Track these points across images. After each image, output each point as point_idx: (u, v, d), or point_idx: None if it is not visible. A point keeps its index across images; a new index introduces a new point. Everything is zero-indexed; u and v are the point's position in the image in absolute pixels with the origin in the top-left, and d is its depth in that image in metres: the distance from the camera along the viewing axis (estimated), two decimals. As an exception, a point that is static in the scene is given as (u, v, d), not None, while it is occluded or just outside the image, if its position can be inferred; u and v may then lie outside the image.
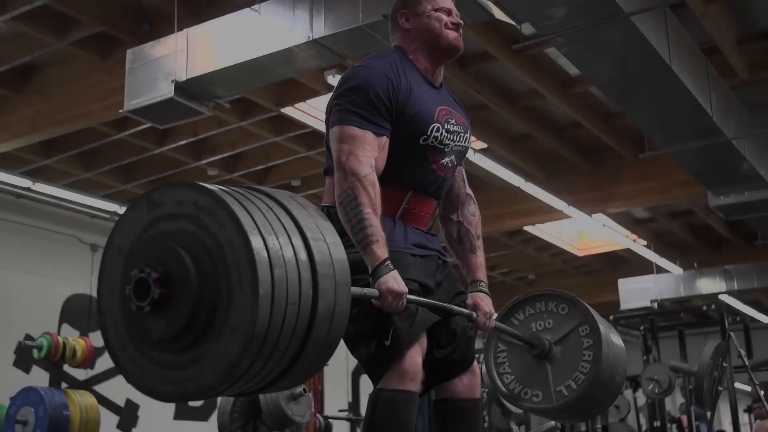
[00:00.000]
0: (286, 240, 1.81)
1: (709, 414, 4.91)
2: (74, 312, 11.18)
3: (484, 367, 3.00)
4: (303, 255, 1.82)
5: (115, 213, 10.83)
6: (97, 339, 6.05)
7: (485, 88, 8.45)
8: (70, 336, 6.39)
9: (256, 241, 1.73)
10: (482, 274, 2.75)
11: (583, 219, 11.06)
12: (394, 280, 2.30)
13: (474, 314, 2.61)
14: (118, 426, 11.20)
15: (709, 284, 13.80)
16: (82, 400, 5.27)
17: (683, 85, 6.46)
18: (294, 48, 6.03)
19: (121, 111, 6.78)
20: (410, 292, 2.37)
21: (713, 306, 11.08)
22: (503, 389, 2.85)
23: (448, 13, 2.71)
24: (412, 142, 2.55)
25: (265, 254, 1.73)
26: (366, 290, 2.22)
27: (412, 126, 2.54)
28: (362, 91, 2.48)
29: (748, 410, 10.78)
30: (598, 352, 2.71)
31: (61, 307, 11.07)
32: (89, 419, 5.22)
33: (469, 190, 2.84)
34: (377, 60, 2.59)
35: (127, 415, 11.45)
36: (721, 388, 4.75)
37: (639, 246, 13.04)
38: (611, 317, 10.81)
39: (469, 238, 2.78)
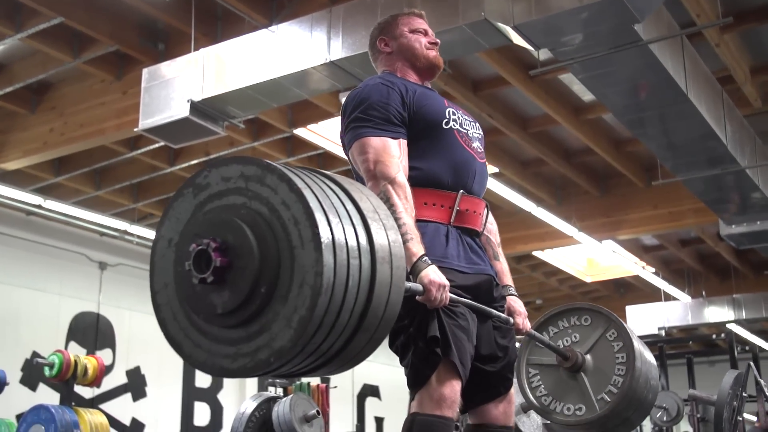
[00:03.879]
0: (336, 198, 1.83)
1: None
2: (81, 330, 11.16)
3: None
4: (352, 209, 1.84)
5: (125, 231, 10.84)
6: (103, 357, 6.04)
7: (498, 113, 8.46)
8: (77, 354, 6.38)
9: (310, 196, 1.73)
10: (509, 279, 2.79)
11: (593, 245, 11.03)
12: (434, 273, 2.32)
13: (511, 319, 2.63)
14: (123, 446, 11.16)
15: (717, 313, 13.76)
16: (93, 418, 5.24)
17: (699, 113, 6.46)
18: (310, 69, 6.05)
19: (136, 129, 6.79)
20: (460, 311, 2.41)
21: (722, 335, 11.02)
22: (543, 409, 2.83)
23: (425, 33, 2.83)
24: (436, 129, 2.61)
25: (321, 209, 1.73)
26: (409, 284, 2.20)
27: (429, 116, 2.61)
28: (366, 102, 2.55)
29: (755, 440, 10.68)
30: (630, 352, 2.71)
31: (68, 325, 11.05)
32: (99, 438, 5.20)
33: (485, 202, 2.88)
34: (371, 79, 2.67)
35: (133, 434, 11.41)
36: (740, 418, 4.71)
37: (647, 273, 13.00)
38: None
39: (492, 246, 2.80)
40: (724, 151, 7.18)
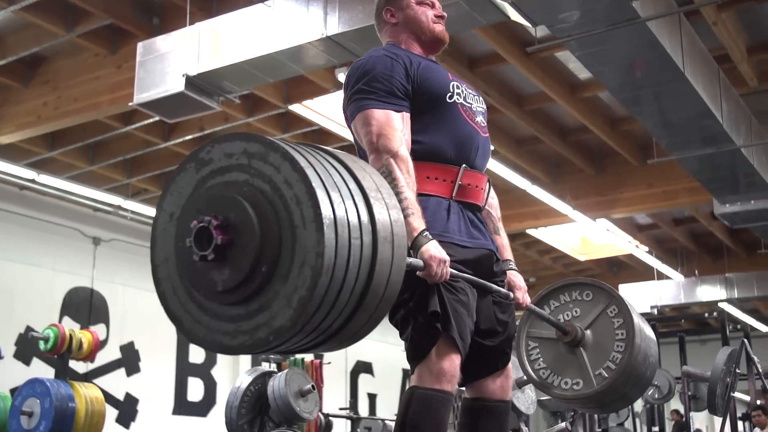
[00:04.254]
0: (339, 177, 1.82)
1: (721, 420, 4.90)
2: (75, 305, 11.16)
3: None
4: (355, 188, 1.83)
5: (119, 207, 10.81)
6: (97, 333, 6.04)
7: (493, 90, 8.44)
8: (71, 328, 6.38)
9: (313, 176, 1.72)
10: (509, 253, 2.79)
11: (587, 223, 11.05)
12: (435, 248, 2.32)
13: (511, 294, 2.63)
14: (117, 420, 11.18)
15: (709, 291, 13.83)
16: (88, 392, 5.25)
17: (695, 91, 6.45)
18: (306, 44, 6.02)
19: (131, 104, 6.76)
20: (460, 285, 2.42)
21: (714, 313, 11.08)
22: (541, 382, 2.84)
23: (432, 6, 2.79)
24: (440, 103, 2.59)
25: (323, 188, 1.73)
26: (410, 259, 2.18)
27: (433, 89, 2.59)
28: (370, 74, 2.52)
29: (744, 418, 10.76)
30: (630, 329, 2.71)
31: (62, 300, 11.04)
32: (95, 411, 5.20)
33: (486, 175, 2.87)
34: (375, 51, 2.65)
35: (127, 409, 11.44)
36: (733, 394, 4.74)
37: (641, 252, 13.04)
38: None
39: (492, 220, 2.79)
40: (719, 130, 7.18)
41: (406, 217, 2.29)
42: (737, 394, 7.64)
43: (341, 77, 7.03)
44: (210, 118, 8.84)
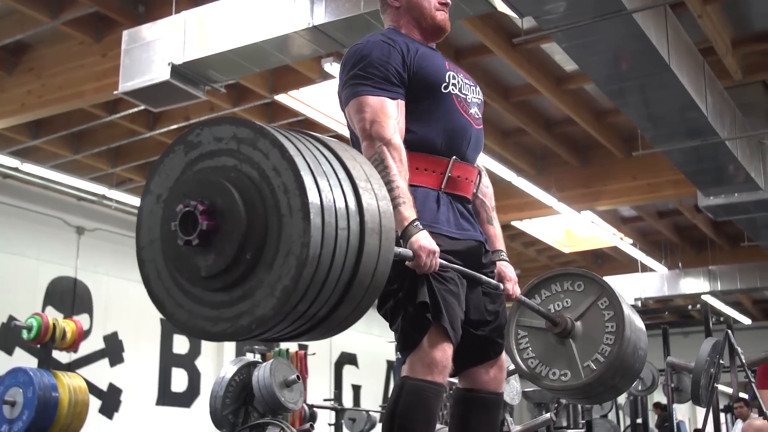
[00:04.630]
0: (328, 166, 1.81)
1: (703, 412, 4.93)
2: (59, 294, 11.10)
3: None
4: (344, 176, 1.82)
5: (103, 196, 10.76)
6: (81, 322, 6.01)
7: (479, 82, 8.27)
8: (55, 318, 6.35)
9: (301, 164, 1.72)
10: (501, 244, 2.77)
11: (572, 215, 11.08)
12: (425, 239, 2.31)
13: (501, 285, 2.62)
14: (101, 410, 11.15)
15: (692, 284, 13.91)
16: (71, 382, 5.23)
17: (680, 84, 6.47)
18: (292, 34, 6.00)
19: (115, 92, 6.72)
20: (450, 275, 2.41)
21: (698, 306, 11.13)
22: (529, 372, 2.84)
23: None
24: (434, 92, 2.56)
25: (312, 176, 1.72)
26: (399, 249, 2.17)
27: (428, 78, 2.56)
28: (367, 59, 2.50)
29: (726, 410, 10.84)
30: (620, 322, 2.70)
31: (45, 290, 10.99)
32: (78, 401, 5.18)
33: (481, 165, 2.83)
34: (373, 36, 2.61)
35: (110, 399, 11.40)
36: (717, 385, 4.78)
37: (625, 244, 13.09)
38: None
39: (485, 210, 2.78)
40: (704, 123, 7.20)
41: (396, 206, 2.29)
42: (720, 387, 7.68)
43: (327, 67, 7.01)
44: (195, 108, 8.80)
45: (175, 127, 9.38)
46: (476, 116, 2.67)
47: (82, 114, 9.01)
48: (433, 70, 2.59)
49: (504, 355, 2.70)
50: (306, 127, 9.51)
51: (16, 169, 9.76)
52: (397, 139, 2.42)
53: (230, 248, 1.73)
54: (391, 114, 2.45)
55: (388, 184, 2.31)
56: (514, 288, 2.68)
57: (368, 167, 1.94)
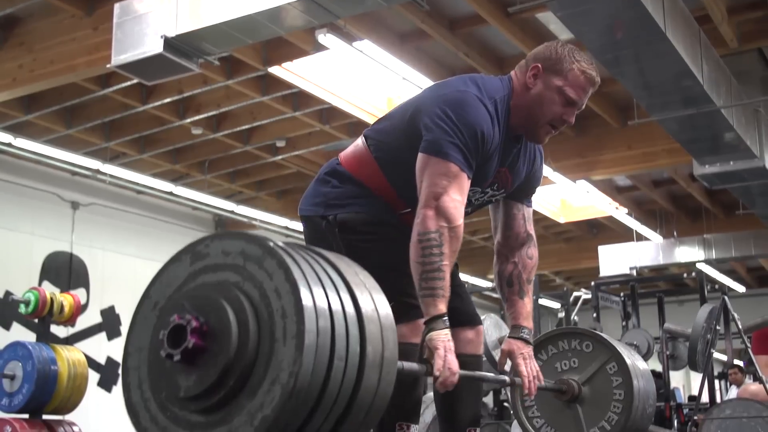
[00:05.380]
0: (334, 292, 1.71)
1: (698, 378, 4.97)
2: (55, 269, 11.10)
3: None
4: (350, 308, 1.72)
5: (97, 171, 10.72)
6: (78, 296, 6.01)
7: (474, 52, 8.40)
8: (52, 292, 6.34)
9: (304, 290, 1.63)
10: (527, 322, 2.66)
11: (567, 185, 11.08)
12: (446, 336, 2.27)
13: (517, 379, 2.55)
14: (99, 384, 11.19)
15: (687, 253, 13.95)
16: (70, 355, 5.24)
17: (676, 52, 6.44)
18: (286, 5, 5.94)
19: (108, 66, 6.67)
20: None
21: (692, 274, 11.17)
22: None
23: (570, 104, 2.53)
24: None
25: (312, 303, 1.63)
26: (403, 364, 2.07)
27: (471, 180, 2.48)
28: (471, 131, 2.38)
29: (720, 377, 10.92)
30: (629, 391, 2.64)
31: (41, 265, 10.98)
32: (77, 374, 5.19)
33: (531, 231, 2.76)
34: (488, 95, 2.48)
35: (108, 373, 11.44)
36: (713, 351, 4.81)
37: (620, 213, 13.10)
38: (592, 283, 10.89)
39: (520, 283, 2.70)
40: (699, 91, 7.18)
41: (435, 297, 2.27)
42: (714, 354, 7.76)
43: (321, 39, 6.96)
44: (189, 81, 8.77)
45: (168, 100, 9.34)
46: (468, 211, 2.60)
47: (74, 88, 8.97)
48: (476, 178, 2.48)
49: (482, 325, 2.71)
50: (300, 99, 9.48)
51: (9, 145, 9.72)
52: (461, 227, 2.35)
53: (214, 371, 1.64)
54: (465, 197, 2.38)
55: (436, 272, 2.27)
56: (533, 384, 2.55)
57: (380, 301, 1.81)
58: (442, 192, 2.33)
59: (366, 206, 2.55)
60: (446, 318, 2.28)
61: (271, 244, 1.70)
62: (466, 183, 2.38)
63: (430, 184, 2.35)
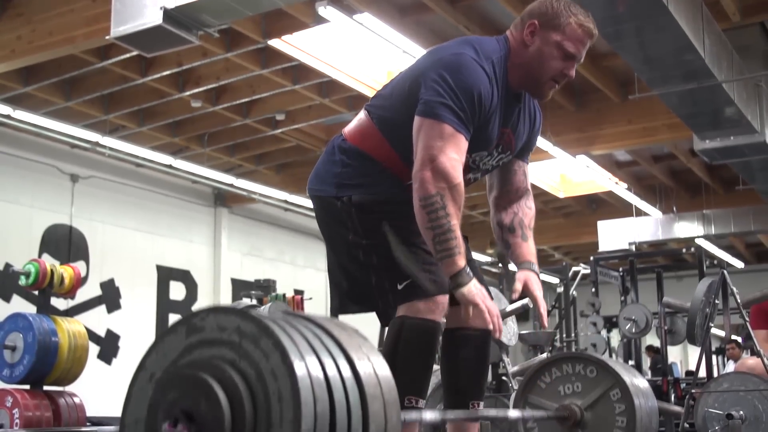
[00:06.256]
0: (336, 372, 1.67)
1: (696, 353, 4.98)
2: (54, 242, 11.11)
3: None
4: (352, 387, 1.68)
5: (96, 143, 10.70)
6: (78, 268, 6.01)
7: (474, 25, 8.36)
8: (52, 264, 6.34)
9: (301, 372, 1.60)
10: (533, 258, 2.69)
11: (567, 160, 11.07)
12: (476, 287, 2.34)
13: (529, 304, 2.64)
14: (99, 356, 11.24)
15: (686, 228, 13.97)
16: (71, 327, 5.25)
17: (678, 25, 6.41)
18: (286, -23, 5.92)
19: (107, 37, 6.63)
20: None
21: (691, 249, 11.19)
22: None
23: (570, 58, 2.54)
24: None
25: (311, 387, 1.59)
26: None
27: (471, 142, 2.47)
28: (468, 93, 2.38)
29: (717, 352, 10.98)
30: (632, 418, 2.63)
31: (41, 237, 10.99)
32: (78, 346, 5.20)
33: (529, 186, 2.79)
34: (485, 56, 2.47)
35: (108, 345, 11.49)
36: (712, 325, 4.83)
37: (620, 189, 13.10)
38: (591, 258, 10.91)
39: (523, 228, 2.72)
40: (701, 65, 7.15)
41: (451, 255, 2.31)
42: (712, 329, 7.77)
43: (321, 11, 6.93)
44: (188, 53, 8.73)
45: (167, 72, 9.31)
46: (470, 180, 2.62)
47: (73, 60, 8.93)
48: (477, 142, 2.49)
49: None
50: (300, 72, 9.44)
51: (8, 117, 9.70)
52: (462, 184, 2.36)
53: None
54: (462, 156, 2.39)
55: (446, 233, 2.30)
56: (541, 309, 2.63)
57: (383, 375, 1.76)
58: (438, 153, 2.33)
59: (377, 185, 2.54)
60: (469, 271, 2.33)
61: (268, 322, 1.65)
62: (463, 143, 2.38)
63: (424, 147, 2.36)
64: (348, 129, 2.66)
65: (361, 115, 2.64)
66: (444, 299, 2.44)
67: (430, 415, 2.23)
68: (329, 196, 2.59)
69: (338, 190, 2.57)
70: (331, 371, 1.66)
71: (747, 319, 4.21)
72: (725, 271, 4.08)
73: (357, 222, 2.52)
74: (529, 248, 2.70)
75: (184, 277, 13.07)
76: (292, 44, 8.52)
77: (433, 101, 2.38)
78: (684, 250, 12.02)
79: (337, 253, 2.62)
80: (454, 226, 2.31)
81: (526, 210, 2.75)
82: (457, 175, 2.34)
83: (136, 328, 11.94)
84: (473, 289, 2.32)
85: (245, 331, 1.66)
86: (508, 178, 2.74)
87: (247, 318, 1.67)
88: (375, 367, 1.75)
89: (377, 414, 1.69)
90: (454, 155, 2.34)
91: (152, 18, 6.29)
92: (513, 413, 2.62)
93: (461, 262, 2.32)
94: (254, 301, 7.31)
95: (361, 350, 1.76)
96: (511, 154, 2.66)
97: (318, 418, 1.57)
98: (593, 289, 10.43)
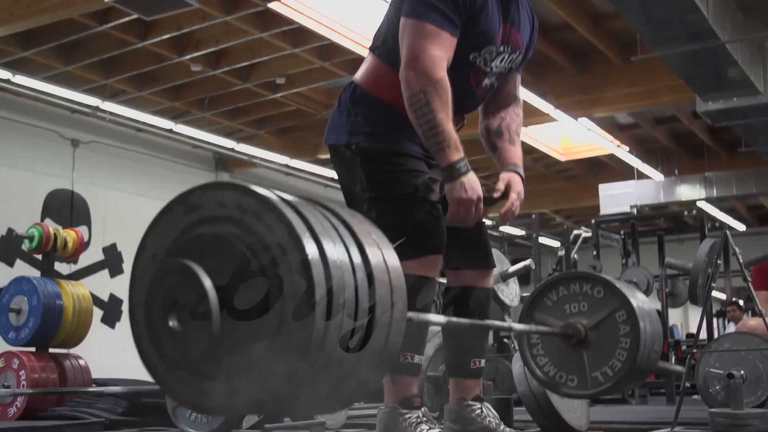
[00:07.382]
0: (341, 244, 1.66)
1: (695, 315, 5.00)
2: (56, 207, 11.07)
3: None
4: (358, 260, 1.67)
5: (96, 108, 10.67)
6: (81, 232, 6.03)
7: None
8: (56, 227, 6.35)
9: (309, 245, 1.58)
10: (519, 161, 2.70)
11: (569, 123, 11.04)
12: (468, 182, 2.32)
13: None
14: (102, 320, 11.25)
15: (688, 191, 13.96)
16: (75, 290, 5.29)
17: (681, -15, 6.37)
18: (286, -63, 5.87)
19: (106, 0, 6.60)
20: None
21: (693, 212, 11.19)
22: (538, 373, 2.78)
23: None
24: (462, 54, 2.47)
25: (319, 258, 1.58)
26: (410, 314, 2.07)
27: (470, 41, 2.47)
28: None
29: (718, 315, 11.02)
30: (635, 340, 2.63)
31: (43, 202, 10.97)
32: (82, 309, 5.25)
33: (518, 94, 2.78)
34: None
35: (111, 309, 11.49)
36: (714, 285, 4.83)
37: (621, 151, 13.08)
38: (592, 221, 10.91)
39: (510, 132, 2.73)
40: (704, 26, 7.11)
41: (442, 149, 2.31)
42: (713, 293, 7.81)
43: (322, -28, 6.88)
44: (187, 17, 8.67)
45: (167, 36, 9.25)
46: (487, 86, 2.61)
47: (72, 24, 8.88)
48: (480, 36, 2.49)
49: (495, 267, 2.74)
50: (300, 35, 9.38)
51: (8, 81, 9.66)
52: (445, 79, 2.35)
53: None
54: (446, 52, 2.38)
55: (434, 128, 2.31)
56: (515, 202, 2.59)
57: (392, 266, 1.74)
58: (420, 52, 2.35)
59: (388, 135, 2.53)
60: (462, 165, 2.33)
61: (269, 196, 1.63)
62: (447, 40, 2.39)
63: (407, 47, 2.38)
64: (358, 75, 2.64)
65: (368, 58, 2.64)
66: (437, 258, 2.44)
67: (435, 318, 2.24)
68: (340, 144, 2.59)
69: (349, 137, 2.56)
70: (339, 248, 1.64)
71: (749, 279, 4.23)
72: (727, 232, 4.07)
73: (362, 172, 2.52)
74: (516, 152, 2.71)
75: (186, 241, 13.06)
76: (292, 7, 8.46)
77: (414, 2, 2.41)
78: (686, 213, 12.02)
79: (350, 206, 2.61)
80: (441, 120, 2.32)
81: (514, 116, 2.76)
82: (439, 71, 2.35)
83: (139, 292, 11.96)
84: (464, 182, 2.32)
85: (246, 207, 1.63)
86: (500, 85, 2.73)
87: (248, 193, 1.64)
88: (384, 254, 1.74)
89: (384, 297, 1.68)
90: (435, 52, 2.36)
91: (152, -20, 6.26)
92: (518, 326, 2.64)
93: (453, 155, 2.33)
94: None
95: (370, 236, 1.75)
96: (520, 53, 2.66)
97: (332, 291, 1.56)
98: (594, 252, 10.41)
